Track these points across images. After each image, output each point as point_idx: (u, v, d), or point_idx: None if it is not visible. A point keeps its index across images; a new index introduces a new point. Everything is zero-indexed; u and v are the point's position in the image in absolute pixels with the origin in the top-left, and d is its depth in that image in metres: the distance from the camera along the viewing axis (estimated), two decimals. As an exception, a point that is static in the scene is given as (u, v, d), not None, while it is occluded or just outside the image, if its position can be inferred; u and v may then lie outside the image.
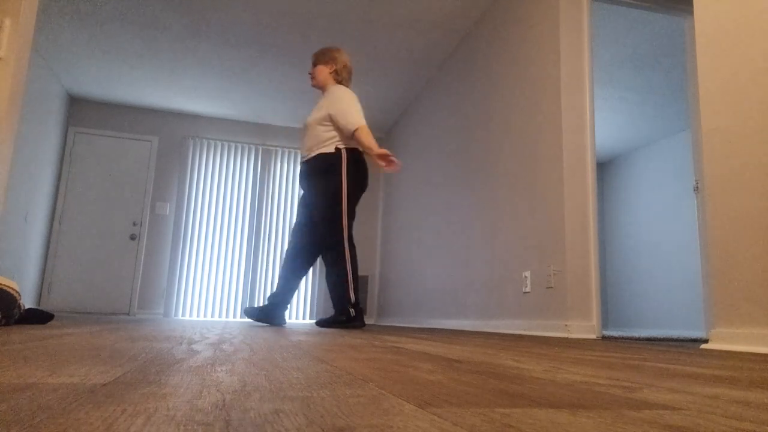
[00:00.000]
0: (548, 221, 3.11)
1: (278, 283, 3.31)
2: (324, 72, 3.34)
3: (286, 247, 6.55)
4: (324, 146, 3.19)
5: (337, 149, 3.17)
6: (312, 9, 4.30)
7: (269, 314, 3.24)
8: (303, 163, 3.33)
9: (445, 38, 4.67)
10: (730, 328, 1.89)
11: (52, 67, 5.48)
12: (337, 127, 3.19)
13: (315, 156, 3.22)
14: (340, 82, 3.36)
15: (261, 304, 3.29)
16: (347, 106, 3.16)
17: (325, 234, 3.14)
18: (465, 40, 4.58)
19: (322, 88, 3.39)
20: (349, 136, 3.17)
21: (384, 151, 3.03)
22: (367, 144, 3.10)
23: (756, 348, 1.77)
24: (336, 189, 3.14)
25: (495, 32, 4.01)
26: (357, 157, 3.22)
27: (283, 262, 3.34)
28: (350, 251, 3.15)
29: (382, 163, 3.05)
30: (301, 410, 0.44)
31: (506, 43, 3.81)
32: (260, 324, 3.47)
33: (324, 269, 6.61)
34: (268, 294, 6.38)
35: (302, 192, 3.39)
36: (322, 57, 3.36)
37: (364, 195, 6.90)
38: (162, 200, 6.34)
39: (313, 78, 3.39)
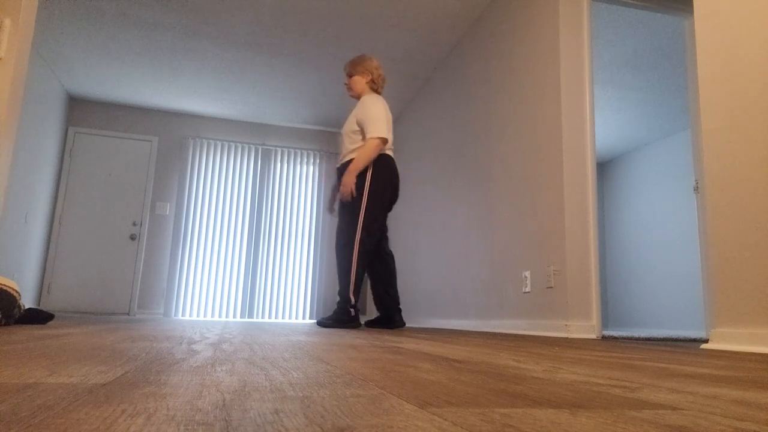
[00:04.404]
0: (548, 221, 3.11)
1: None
2: (361, 82, 3.41)
3: (288, 248, 6.55)
4: (354, 152, 3.27)
5: None
6: (311, 9, 4.30)
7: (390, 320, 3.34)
8: (337, 169, 3.44)
9: (443, 38, 4.67)
10: (730, 328, 1.89)
11: (52, 67, 5.48)
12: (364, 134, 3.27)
13: (346, 162, 3.31)
14: (375, 91, 3.45)
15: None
16: (376, 114, 3.22)
17: (341, 232, 3.23)
18: (464, 39, 4.58)
19: (358, 97, 3.46)
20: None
21: (349, 180, 3.13)
22: (361, 154, 3.15)
23: (756, 348, 1.77)
24: (358, 193, 3.20)
25: (494, 32, 4.01)
26: (385, 161, 3.26)
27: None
28: (360, 254, 3.16)
29: (342, 185, 3.18)
30: (301, 410, 0.44)
31: (505, 43, 3.80)
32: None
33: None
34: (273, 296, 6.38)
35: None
36: (357, 68, 3.42)
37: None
38: (162, 200, 6.34)
39: (350, 89, 3.46)
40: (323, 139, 6.93)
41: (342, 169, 3.35)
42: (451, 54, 4.88)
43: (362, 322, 5.08)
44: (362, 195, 3.19)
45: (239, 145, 6.64)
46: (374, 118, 3.21)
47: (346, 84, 3.48)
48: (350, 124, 3.31)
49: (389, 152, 3.30)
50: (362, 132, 3.25)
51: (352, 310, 3.16)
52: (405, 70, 5.27)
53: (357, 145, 3.26)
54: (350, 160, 3.27)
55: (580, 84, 3.11)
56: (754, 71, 1.92)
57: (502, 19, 3.90)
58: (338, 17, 4.40)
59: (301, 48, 4.91)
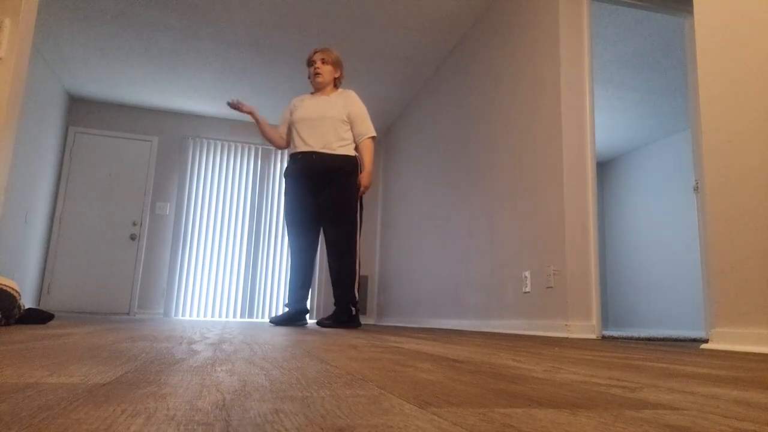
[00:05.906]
0: (548, 221, 3.11)
1: (304, 288, 3.32)
2: (332, 75, 3.41)
3: (287, 247, 6.54)
4: (346, 146, 3.28)
5: (356, 155, 3.33)
6: (311, 9, 4.30)
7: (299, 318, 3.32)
8: (313, 155, 3.25)
9: (443, 38, 4.67)
10: (730, 328, 1.89)
11: (52, 67, 5.48)
12: (351, 129, 3.34)
13: (338, 155, 3.24)
14: (336, 88, 3.47)
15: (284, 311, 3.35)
16: (366, 114, 3.35)
17: (343, 233, 3.20)
18: (464, 39, 4.58)
19: (321, 86, 3.40)
20: (357, 140, 3.33)
21: (367, 178, 3.27)
22: (370, 156, 3.29)
23: (756, 348, 1.77)
24: (356, 192, 3.26)
25: (494, 32, 4.01)
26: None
27: (302, 263, 3.32)
28: (359, 252, 3.25)
29: (365, 187, 3.29)
30: (301, 410, 0.44)
31: (506, 43, 3.81)
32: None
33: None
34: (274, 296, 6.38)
35: (304, 186, 3.31)
36: (333, 58, 3.42)
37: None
38: (162, 200, 6.34)
39: (320, 75, 3.37)
40: (323, 139, 6.92)
41: (330, 159, 3.22)
42: (451, 54, 4.88)
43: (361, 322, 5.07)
44: (357, 199, 3.27)
45: (239, 145, 6.64)
46: (367, 117, 3.34)
47: (317, 68, 3.37)
48: (339, 113, 3.26)
49: None
50: (350, 124, 3.32)
51: (353, 308, 3.17)
52: (405, 71, 5.27)
53: (346, 135, 3.29)
54: (344, 155, 3.25)
55: (580, 84, 3.11)
56: (754, 71, 1.92)
57: (503, 20, 3.90)
58: (338, 17, 4.40)
59: (301, 48, 4.91)
